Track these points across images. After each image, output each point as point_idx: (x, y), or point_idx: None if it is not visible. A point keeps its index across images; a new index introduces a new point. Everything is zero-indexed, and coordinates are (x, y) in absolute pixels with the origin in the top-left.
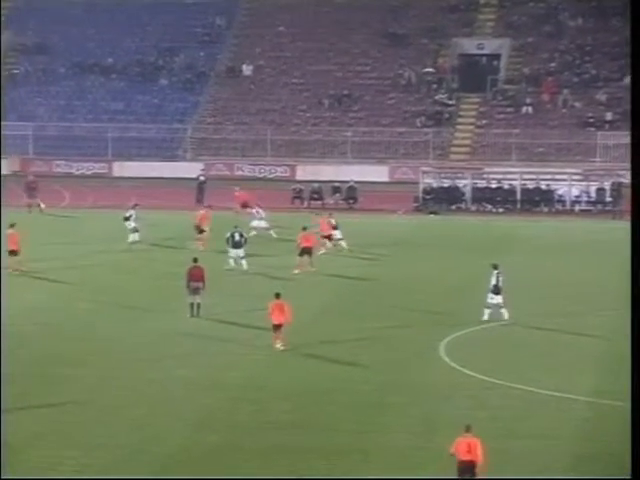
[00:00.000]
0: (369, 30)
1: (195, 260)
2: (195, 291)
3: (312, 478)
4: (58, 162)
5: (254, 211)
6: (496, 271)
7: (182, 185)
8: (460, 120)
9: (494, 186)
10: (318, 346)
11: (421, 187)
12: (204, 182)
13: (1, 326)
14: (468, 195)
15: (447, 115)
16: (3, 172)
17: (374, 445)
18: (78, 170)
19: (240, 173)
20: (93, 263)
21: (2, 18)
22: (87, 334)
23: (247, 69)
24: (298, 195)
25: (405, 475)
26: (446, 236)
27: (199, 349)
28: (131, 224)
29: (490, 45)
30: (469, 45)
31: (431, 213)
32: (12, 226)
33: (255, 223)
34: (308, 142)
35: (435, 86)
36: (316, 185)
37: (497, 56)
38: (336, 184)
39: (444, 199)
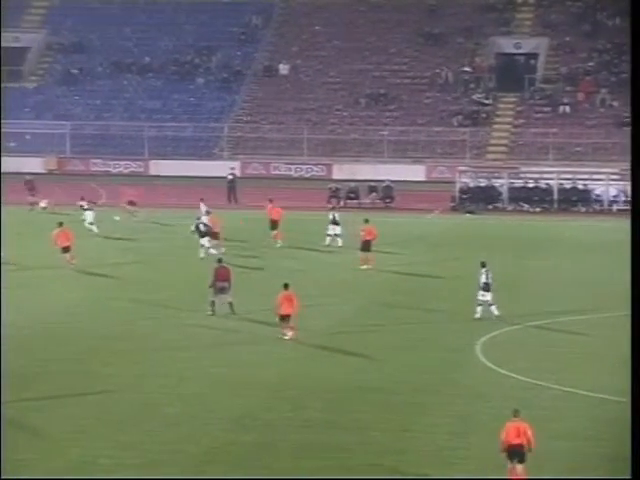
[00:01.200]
0: (406, 29)
1: (220, 260)
2: (222, 290)
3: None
4: (95, 161)
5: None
6: (484, 269)
7: (218, 184)
8: (497, 119)
9: (531, 186)
10: (354, 345)
11: (458, 186)
12: (234, 181)
13: (38, 323)
14: (505, 195)
15: (484, 114)
16: (40, 170)
17: (410, 445)
18: (115, 169)
19: (276, 172)
20: (128, 261)
21: (38, 18)
22: (123, 332)
23: (284, 68)
24: (334, 194)
25: (442, 475)
26: (482, 236)
27: (234, 347)
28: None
29: (528, 44)
30: (506, 44)
31: (467, 213)
32: (60, 224)
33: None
34: (345, 141)
35: (472, 85)
36: (352, 184)
37: (535, 55)
38: (372, 183)
39: (481, 198)
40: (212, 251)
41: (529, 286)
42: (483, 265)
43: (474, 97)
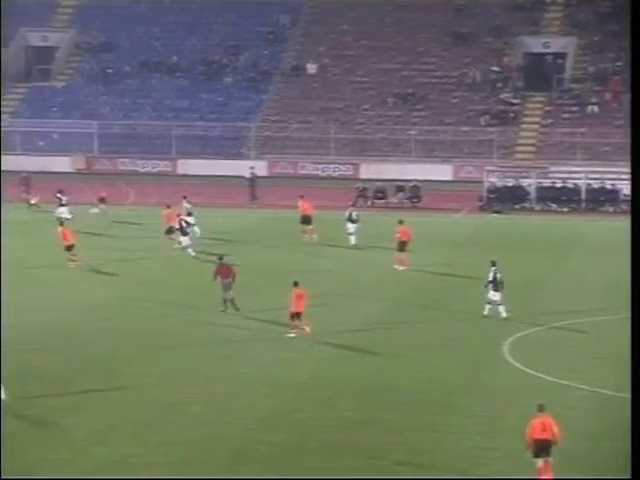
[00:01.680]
0: (434, 29)
1: (221, 258)
2: (227, 286)
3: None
4: (123, 160)
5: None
6: (494, 268)
7: (246, 183)
8: (525, 119)
9: (559, 185)
10: (383, 345)
11: (485, 186)
12: (254, 179)
13: (60, 322)
14: (532, 194)
15: (512, 114)
16: (68, 169)
17: (439, 445)
18: (143, 168)
19: (304, 172)
20: (152, 260)
21: (66, 17)
22: (146, 330)
23: (311, 67)
24: (362, 194)
25: (471, 475)
26: (510, 235)
27: (261, 347)
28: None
29: (556, 44)
30: (535, 44)
31: (495, 212)
32: (61, 223)
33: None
34: (372, 141)
35: (500, 85)
36: (380, 184)
37: (563, 55)
38: (400, 183)
39: (508, 198)
40: (190, 252)
41: (556, 286)
42: (493, 264)
43: (502, 97)
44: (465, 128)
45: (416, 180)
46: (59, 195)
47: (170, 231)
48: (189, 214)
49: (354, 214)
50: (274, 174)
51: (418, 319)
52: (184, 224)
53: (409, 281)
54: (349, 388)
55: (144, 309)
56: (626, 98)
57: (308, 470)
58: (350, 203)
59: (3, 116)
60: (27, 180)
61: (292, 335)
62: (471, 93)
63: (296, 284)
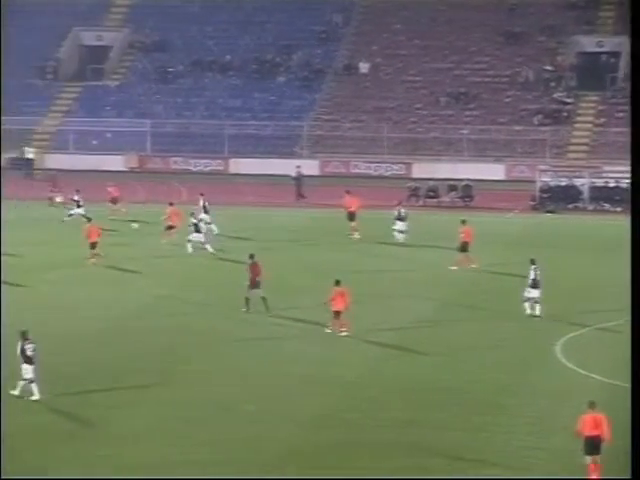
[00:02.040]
0: (487, 28)
1: (252, 256)
2: (256, 285)
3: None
4: (175, 159)
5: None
6: (534, 266)
7: (292, 182)
8: (578, 118)
9: (612, 185)
10: (432, 344)
11: (538, 186)
12: (300, 178)
13: (112, 320)
14: (585, 194)
15: (565, 113)
16: (121, 168)
17: (489, 445)
18: (195, 167)
19: (356, 171)
20: (195, 259)
21: (120, 16)
22: (197, 330)
23: (364, 67)
24: (414, 193)
25: (521, 475)
26: (562, 235)
27: (310, 346)
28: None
29: (610, 43)
30: (588, 43)
31: (548, 212)
32: (89, 220)
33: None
34: (424, 140)
35: (553, 84)
36: (432, 183)
37: (617, 54)
38: (452, 182)
39: (561, 198)
40: (208, 248)
41: (609, 286)
42: (532, 262)
43: (555, 96)
44: (518, 127)
45: (468, 179)
46: (76, 197)
47: (170, 228)
48: (205, 212)
49: (402, 212)
50: (326, 173)
51: (468, 319)
52: (195, 221)
53: (459, 280)
54: (398, 387)
55: (190, 308)
56: None
57: (358, 470)
58: (397, 202)
59: (57, 115)
60: (54, 178)
61: (328, 331)
62: (524, 92)
63: (337, 283)
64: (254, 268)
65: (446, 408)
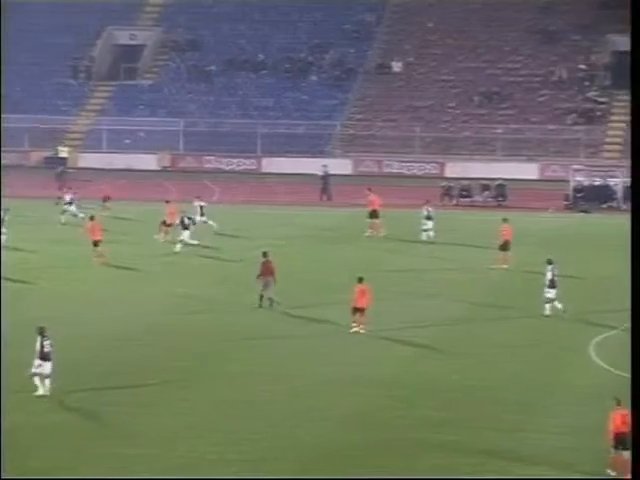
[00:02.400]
0: (520, 27)
1: (265, 254)
2: (268, 283)
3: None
4: (208, 158)
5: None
6: (550, 266)
7: (331, 182)
8: (612, 118)
9: None
10: (466, 344)
11: (572, 185)
12: (326, 177)
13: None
14: (620, 194)
15: (599, 112)
16: (154, 167)
17: (523, 445)
18: (228, 166)
19: (389, 170)
20: (232, 258)
21: (153, 15)
22: (226, 328)
23: (396, 66)
24: (447, 192)
25: (555, 476)
26: (596, 235)
27: (342, 345)
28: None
29: None
30: (623, 42)
31: (582, 212)
32: (91, 218)
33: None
34: (457, 139)
35: (587, 83)
36: (465, 182)
37: None
38: (485, 182)
39: (595, 197)
40: (191, 241)
41: None
42: (549, 262)
43: (589, 95)
44: (551, 126)
45: (502, 179)
46: (66, 194)
47: (167, 225)
48: (202, 214)
49: (429, 211)
50: (358, 173)
51: (501, 318)
52: (186, 220)
53: (492, 280)
54: (430, 387)
55: (220, 306)
56: None
57: (391, 469)
58: (425, 200)
59: (90, 114)
60: (61, 176)
61: (354, 330)
62: (558, 91)
63: (360, 280)
64: (267, 266)
65: (479, 407)
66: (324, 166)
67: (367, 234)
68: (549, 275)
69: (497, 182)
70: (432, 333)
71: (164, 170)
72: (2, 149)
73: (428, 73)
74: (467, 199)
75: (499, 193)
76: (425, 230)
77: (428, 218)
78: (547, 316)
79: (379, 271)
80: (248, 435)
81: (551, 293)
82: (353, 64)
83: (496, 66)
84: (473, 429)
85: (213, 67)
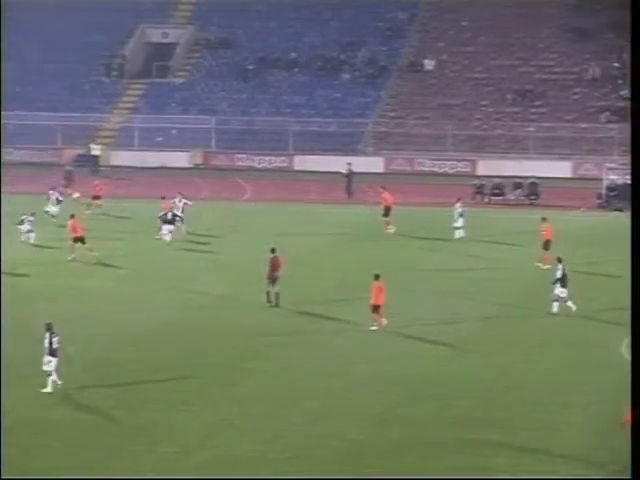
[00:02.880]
0: (554, 24)
1: (273, 250)
2: (276, 280)
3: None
4: (240, 156)
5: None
6: (561, 264)
7: (363, 179)
8: None
9: None
10: (498, 343)
11: (605, 184)
12: (350, 175)
13: (183, 316)
14: None
15: None
16: (186, 164)
17: (557, 443)
18: (259, 164)
19: (421, 168)
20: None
21: (186, 14)
22: (260, 327)
23: (429, 64)
24: (479, 191)
25: (587, 475)
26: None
27: (374, 343)
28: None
29: None
30: None
31: (615, 210)
32: (72, 216)
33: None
34: (490, 137)
35: (621, 81)
36: (497, 181)
37: None
38: (518, 180)
39: (628, 196)
40: (166, 238)
41: None
42: (559, 260)
43: (622, 93)
44: (584, 125)
45: (534, 177)
46: (55, 194)
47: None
48: (182, 211)
49: (461, 209)
50: (390, 170)
51: (537, 316)
52: (169, 215)
53: (526, 278)
54: (466, 386)
55: (254, 304)
56: None
57: (424, 468)
58: (457, 198)
59: (122, 112)
60: (69, 174)
61: (373, 328)
62: (591, 90)
63: (377, 277)
64: (274, 262)
65: (512, 406)
66: (348, 164)
67: (389, 230)
68: (559, 273)
69: (529, 180)
70: (464, 331)
71: (196, 168)
72: (35, 147)
73: (461, 71)
74: (499, 197)
75: (531, 191)
76: (457, 228)
77: (460, 216)
78: (554, 314)
79: (411, 270)
80: (282, 432)
81: (562, 292)
82: (385, 62)
83: (529, 64)
84: (507, 428)
85: (245, 65)
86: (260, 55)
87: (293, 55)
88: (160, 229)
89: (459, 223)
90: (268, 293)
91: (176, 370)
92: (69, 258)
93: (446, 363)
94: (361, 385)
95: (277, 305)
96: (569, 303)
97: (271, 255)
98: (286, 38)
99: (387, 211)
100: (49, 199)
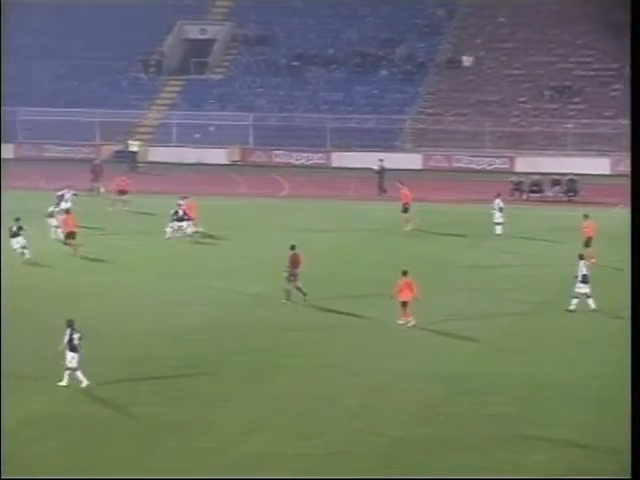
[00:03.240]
0: (592, 20)
1: (293, 247)
2: (296, 277)
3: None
4: (277, 152)
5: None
6: (582, 261)
7: (401, 176)
8: None
9: None
10: (535, 340)
11: None
12: (382, 172)
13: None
14: None
15: None
16: (223, 161)
17: (595, 441)
18: (297, 160)
19: (459, 165)
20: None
21: (224, 10)
22: (299, 324)
23: (467, 60)
24: (517, 187)
25: (622, 475)
26: None
27: (412, 340)
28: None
29: None
30: None
31: None
32: (67, 212)
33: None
34: (528, 134)
35: None
36: (535, 177)
37: None
38: (556, 176)
39: None
40: (176, 234)
41: None
42: (581, 258)
43: None
44: (623, 121)
45: (572, 174)
46: (63, 192)
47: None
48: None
49: (500, 205)
50: (428, 167)
51: (574, 314)
52: (180, 212)
53: (564, 275)
54: (501, 383)
55: (291, 301)
56: None
57: (464, 465)
58: (496, 194)
59: (160, 108)
60: (97, 168)
61: (401, 322)
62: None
63: (405, 273)
64: (295, 259)
65: (549, 404)
66: (380, 160)
67: (406, 228)
68: (582, 270)
69: (568, 177)
70: (499, 328)
71: (234, 164)
72: (74, 143)
73: (499, 67)
74: (537, 194)
75: (570, 188)
76: (497, 224)
77: (500, 211)
78: (572, 311)
79: (447, 266)
80: (321, 429)
81: (583, 289)
82: (424, 58)
83: (568, 60)
84: (544, 425)
85: (283, 61)
86: (298, 52)
87: (331, 51)
88: (170, 226)
89: (499, 219)
90: (288, 291)
91: (212, 366)
92: (71, 252)
93: (481, 360)
94: (397, 382)
95: (304, 300)
96: (589, 301)
97: (291, 252)
98: (324, 34)
99: (406, 208)
100: (63, 196)
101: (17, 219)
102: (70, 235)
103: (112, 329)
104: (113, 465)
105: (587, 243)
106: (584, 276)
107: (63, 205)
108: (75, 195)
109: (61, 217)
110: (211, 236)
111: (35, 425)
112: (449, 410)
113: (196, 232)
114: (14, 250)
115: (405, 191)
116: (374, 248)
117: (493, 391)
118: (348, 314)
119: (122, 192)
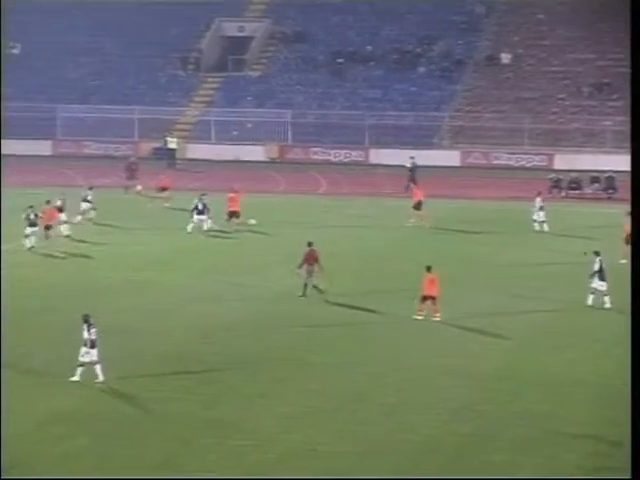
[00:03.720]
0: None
1: (310, 244)
2: (311, 273)
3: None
4: (315, 149)
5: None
6: (598, 257)
7: (438, 173)
8: None
9: None
10: (570, 338)
11: None
12: (414, 169)
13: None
14: None
15: None
16: (261, 158)
17: (628, 438)
18: (335, 157)
19: (497, 162)
20: (343, 249)
21: (262, 7)
22: (334, 320)
23: (505, 57)
24: (556, 185)
25: None
26: None
27: (449, 338)
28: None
29: None
30: None
31: None
32: (47, 202)
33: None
34: (567, 131)
35: None
36: (574, 175)
37: None
38: (595, 174)
39: None
40: (207, 225)
41: None
42: (597, 254)
43: None
44: None
45: (611, 171)
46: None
47: (233, 214)
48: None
49: (541, 202)
50: (466, 164)
51: (608, 312)
52: (200, 205)
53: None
54: (536, 381)
55: (322, 297)
56: None
57: (498, 463)
58: (537, 192)
59: (199, 105)
60: (132, 165)
61: (418, 318)
62: None
63: (429, 269)
64: (311, 255)
65: (582, 401)
66: (412, 158)
67: (409, 223)
68: (596, 266)
69: (607, 174)
70: (538, 325)
71: (272, 161)
72: (113, 140)
73: (537, 64)
74: (576, 191)
75: (609, 185)
76: (537, 221)
77: (541, 209)
78: (590, 306)
79: (485, 264)
80: (356, 427)
81: (600, 285)
82: (462, 56)
83: (606, 57)
84: (578, 423)
85: (321, 58)
86: (336, 49)
87: (369, 49)
88: (192, 219)
89: (540, 217)
90: (305, 286)
91: (247, 363)
92: (27, 244)
93: (516, 358)
94: (432, 380)
95: (321, 295)
96: (606, 298)
97: (308, 249)
98: (362, 32)
99: (418, 205)
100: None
101: (31, 206)
102: (48, 227)
103: (149, 325)
104: (147, 463)
105: (628, 240)
106: (600, 273)
107: (83, 205)
108: (90, 189)
109: (44, 208)
110: (251, 231)
111: (64, 422)
112: (483, 408)
113: (240, 223)
114: (26, 236)
115: (416, 189)
116: (412, 246)
117: (526, 389)
118: (381, 312)
119: (163, 189)
